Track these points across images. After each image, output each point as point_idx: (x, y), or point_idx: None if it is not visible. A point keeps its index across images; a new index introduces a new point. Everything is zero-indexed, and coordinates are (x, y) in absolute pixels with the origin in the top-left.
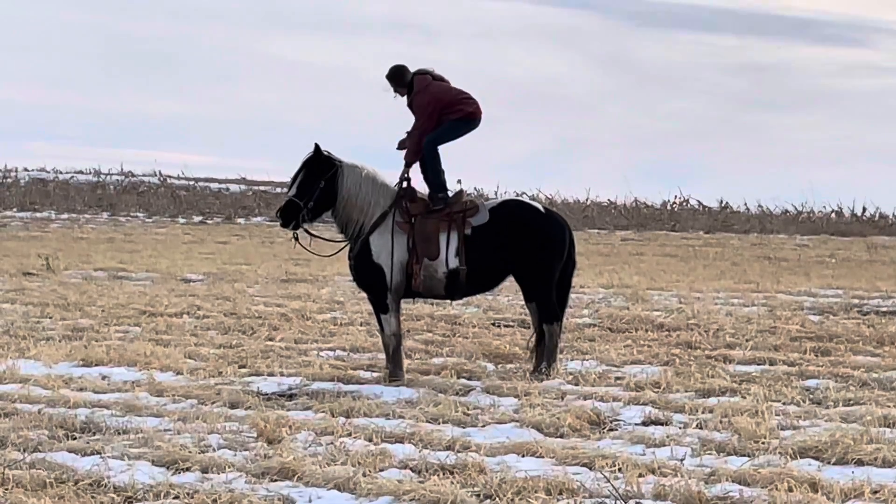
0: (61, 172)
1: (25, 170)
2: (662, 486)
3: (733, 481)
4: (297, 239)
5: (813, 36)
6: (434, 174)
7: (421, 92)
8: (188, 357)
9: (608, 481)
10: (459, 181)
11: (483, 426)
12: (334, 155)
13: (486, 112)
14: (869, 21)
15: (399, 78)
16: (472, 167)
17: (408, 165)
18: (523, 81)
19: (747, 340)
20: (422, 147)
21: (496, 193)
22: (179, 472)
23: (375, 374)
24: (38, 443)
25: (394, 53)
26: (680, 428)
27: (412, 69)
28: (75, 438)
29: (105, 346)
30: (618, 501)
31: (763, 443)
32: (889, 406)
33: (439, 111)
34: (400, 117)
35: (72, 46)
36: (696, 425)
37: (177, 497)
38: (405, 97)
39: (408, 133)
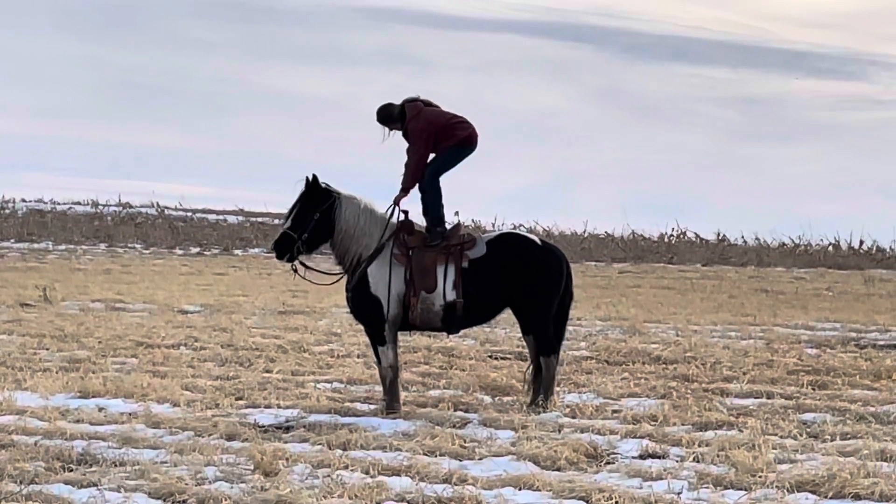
0: (59, 203)
1: (23, 200)
2: None
3: None
4: (295, 270)
5: (808, 69)
6: (434, 207)
7: (415, 118)
8: (185, 389)
9: None
10: (457, 213)
11: (480, 459)
12: (332, 186)
13: (481, 145)
14: (864, 54)
15: (389, 116)
16: (468, 199)
17: (405, 191)
18: (519, 114)
19: (744, 373)
20: (419, 173)
21: (493, 226)
22: None
23: (372, 407)
24: (34, 475)
25: (390, 85)
26: (677, 461)
27: (398, 101)
28: (72, 470)
29: (102, 378)
30: None
31: (760, 476)
32: (886, 440)
33: (434, 135)
34: (400, 148)
35: (69, 77)
36: (693, 459)
37: None
38: (401, 130)
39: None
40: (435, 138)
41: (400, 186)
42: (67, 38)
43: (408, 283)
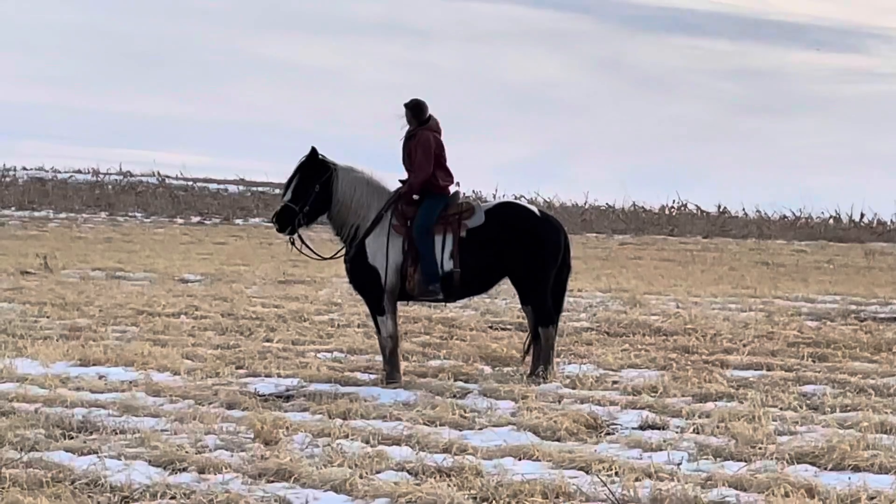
0: (59, 172)
1: (24, 169)
2: (659, 490)
3: (730, 486)
4: (293, 243)
5: (808, 41)
6: (429, 261)
7: (431, 129)
8: (185, 357)
9: (605, 485)
10: (458, 183)
11: (480, 429)
12: (328, 158)
13: (481, 115)
14: (864, 27)
15: (419, 111)
16: (469, 169)
17: (411, 190)
18: (518, 84)
19: (745, 345)
20: (419, 187)
21: (494, 196)
22: (176, 473)
23: (372, 376)
24: (34, 442)
25: (388, 56)
26: (677, 432)
27: (397, 72)
28: (72, 438)
29: (102, 346)
30: None
31: (760, 448)
32: (886, 412)
33: (435, 156)
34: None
35: (70, 46)
36: (693, 430)
37: (173, 497)
38: (411, 129)
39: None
40: (433, 158)
41: (408, 184)
42: (68, 7)
43: (406, 253)
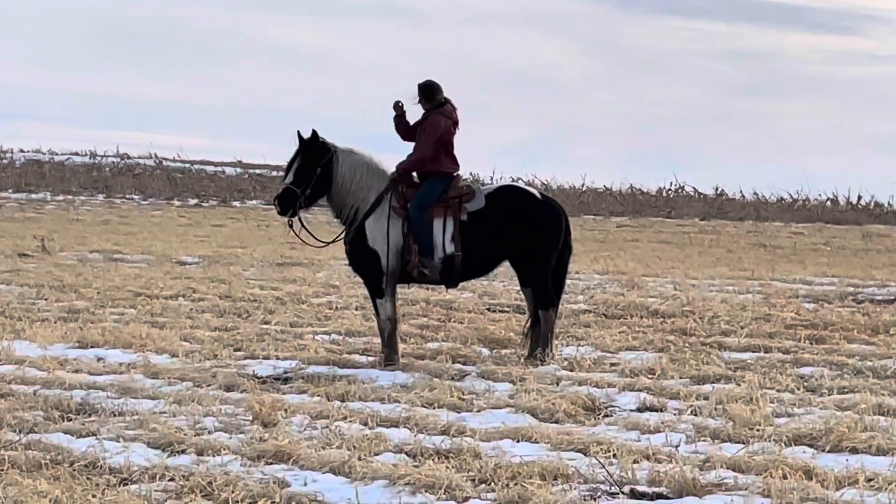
0: (57, 154)
1: (21, 151)
2: (657, 472)
3: (728, 468)
4: (291, 226)
5: (804, 23)
6: (424, 238)
7: (442, 114)
8: (183, 340)
9: (603, 467)
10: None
11: (478, 411)
12: (328, 140)
13: (477, 97)
14: (860, 9)
15: (430, 92)
16: (467, 152)
17: (399, 174)
18: (513, 67)
19: (742, 328)
20: (417, 166)
21: (492, 179)
22: (175, 455)
23: (371, 359)
24: (33, 424)
25: (384, 37)
26: (674, 414)
27: (394, 54)
28: (71, 420)
29: (100, 328)
30: (612, 487)
31: (757, 430)
32: (883, 394)
33: (443, 142)
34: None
35: (67, 28)
36: (691, 412)
37: (172, 479)
38: (423, 108)
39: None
40: (439, 142)
41: (405, 160)
42: None
43: (405, 235)
